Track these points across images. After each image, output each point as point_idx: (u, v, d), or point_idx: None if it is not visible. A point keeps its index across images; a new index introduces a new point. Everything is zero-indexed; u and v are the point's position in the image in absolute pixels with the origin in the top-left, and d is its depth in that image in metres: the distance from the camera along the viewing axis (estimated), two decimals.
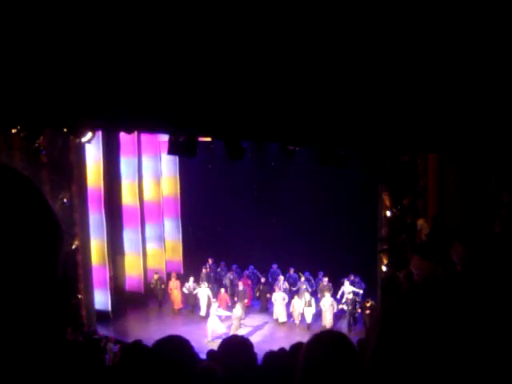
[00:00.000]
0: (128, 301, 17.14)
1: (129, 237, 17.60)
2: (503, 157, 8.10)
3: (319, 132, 8.49)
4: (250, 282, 17.37)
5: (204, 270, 17.67)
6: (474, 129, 7.60)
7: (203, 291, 16.66)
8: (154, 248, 18.42)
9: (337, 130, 8.36)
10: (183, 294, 17.12)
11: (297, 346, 6.12)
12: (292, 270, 17.30)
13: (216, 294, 16.75)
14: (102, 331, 15.53)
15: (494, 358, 0.74)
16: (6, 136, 11.28)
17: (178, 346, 3.10)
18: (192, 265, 18.55)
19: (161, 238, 18.60)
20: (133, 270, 17.61)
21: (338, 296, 16.00)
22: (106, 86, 8.02)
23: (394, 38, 6.46)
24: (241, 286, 16.85)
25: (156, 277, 17.48)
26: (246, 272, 17.75)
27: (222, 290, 16.92)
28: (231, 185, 18.86)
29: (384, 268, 12.09)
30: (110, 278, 16.67)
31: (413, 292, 0.85)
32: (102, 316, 16.26)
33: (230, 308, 16.29)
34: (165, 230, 18.84)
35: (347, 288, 15.88)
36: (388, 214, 12.07)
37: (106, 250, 16.47)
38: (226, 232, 19.01)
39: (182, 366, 2.93)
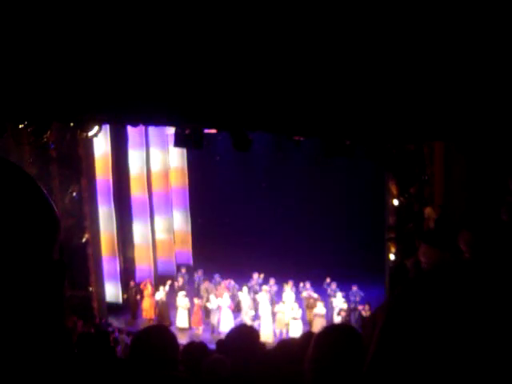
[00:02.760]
0: (138, 292, 17.21)
1: (138, 228, 17.67)
2: (510, 144, 8.06)
3: (324, 122, 8.49)
4: (228, 293, 15.58)
5: (181, 279, 16.51)
6: (480, 116, 7.56)
7: (182, 300, 15.46)
8: (163, 239, 18.48)
9: (342, 120, 8.35)
10: (156, 303, 15.85)
11: (308, 335, 6.15)
12: (273, 281, 15.73)
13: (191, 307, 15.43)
14: (114, 323, 15.66)
15: (501, 344, 0.75)
16: (13, 131, 11.35)
17: (158, 334, 3.16)
18: (202, 256, 18.62)
19: (170, 230, 18.66)
20: (143, 261, 17.68)
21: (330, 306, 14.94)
22: (111, 79, 8.05)
23: (397, 27, 6.43)
24: (213, 299, 15.25)
25: (132, 284, 16.44)
26: (225, 282, 16.10)
27: (197, 301, 15.39)
28: (239, 176, 18.90)
29: (392, 256, 12.10)
30: (121, 269, 16.76)
31: (420, 279, 0.86)
32: (114, 308, 16.39)
33: (206, 322, 15.31)
34: (174, 221, 18.90)
35: (339, 301, 14.90)
36: (395, 202, 12.05)
37: (116, 241, 16.57)
38: (230, 229, 18.91)
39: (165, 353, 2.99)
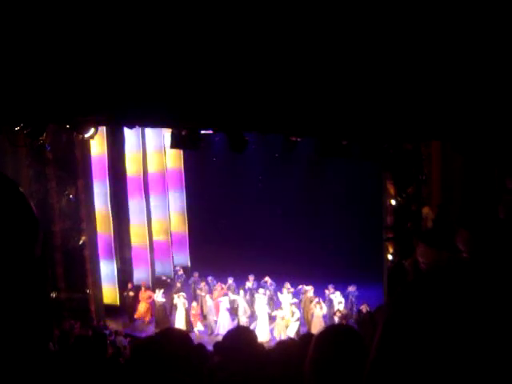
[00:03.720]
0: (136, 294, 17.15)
1: (135, 230, 17.64)
2: (507, 143, 8.06)
3: (321, 123, 8.47)
4: (224, 294, 15.53)
5: (178, 284, 16.41)
6: (477, 115, 7.56)
7: (181, 302, 15.40)
8: (161, 241, 18.47)
9: (339, 120, 8.34)
10: (152, 305, 15.86)
11: (307, 336, 6.13)
12: (269, 282, 15.70)
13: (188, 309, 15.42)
14: (111, 325, 15.62)
15: (501, 344, 0.75)
16: (9, 133, 11.32)
17: (177, 337, 3.14)
18: (199, 258, 18.60)
19: (167, 231, 18.65)
20: (140, 262, 17.65)
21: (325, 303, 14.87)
22: (107, 81, 8.03)
23: (393, 28, 6.43)
24: (209, 301, 15.36)
25: (130, 286, 16.40)
26: (221, 285, 15.99)
27: (194, 303, 15.47)
28: (236, 177, 18.90)
29: (390, 256, 12.09)
30: (118, 271, 16.71)
31: (419, 281, 0.87)
32: (111, 310, 16.35)
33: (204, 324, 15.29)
34: (171, 222, 18.89)
35: (338, 298, 14.84)
36: (393, 202, 12.05)
37: (113, 244, 16.54)
38: (228, 230, 18.87)
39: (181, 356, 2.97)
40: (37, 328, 0.86)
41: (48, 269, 0.93)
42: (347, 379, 2.11)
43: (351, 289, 15.22)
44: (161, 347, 3.04)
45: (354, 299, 15.04)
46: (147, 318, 15.97)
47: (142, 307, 16.06)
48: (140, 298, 16.10)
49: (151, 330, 15.24)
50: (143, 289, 16.29)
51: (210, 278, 16.34)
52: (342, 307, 14.76)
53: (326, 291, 15.32)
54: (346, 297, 15.14)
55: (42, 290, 0.89)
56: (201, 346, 6.72)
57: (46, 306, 0.91)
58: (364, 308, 14.23)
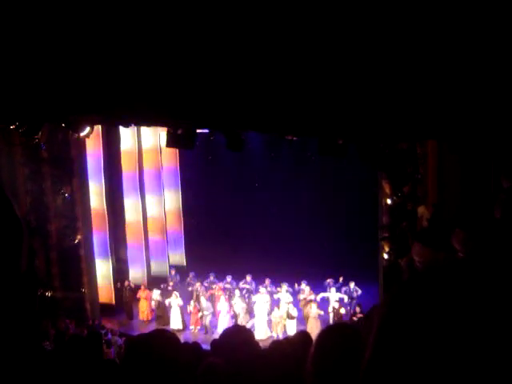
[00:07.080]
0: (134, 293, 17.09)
1: (131, 228, 17.62)
2: (502, 142, 8.09)
3: (317, 122, 8.48)
4: (223, 294, 15.56)
5: (171, 283, 16.52)
6: (472, 115, 7.58)
7: (175, 302, 15.41)
8: (156, 239, 18.45)
9: (335, 120, 8.35)
10: (152, 304, 15.94)
11: (301, 335, 6.14)
12: (268, 281, 15.73)
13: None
14: (107, 324, 15.58)
15: (498, 344, 0.75)
16: (5, 132, 11.28)
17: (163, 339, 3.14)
18: (195, 257, 18.59)
19: (163, 230, 18.63)
20: (135, 261, 17.64)
21: (319, 298, 14.95)
22: (103, 80, 8.00)
23: (389, 26, 6.43)
24: (205, 301, 15.36)
25: (126, 284, 16.45)
26: (220, 283, 16.07)
27: (192, 302, 15.47)
28: (232, 176, 18.89)
29: (385, 256, 12.11)
30: (114, 270, 16.69)
31: (415, 280, 0.86)
32: (107, 309, 16.32)
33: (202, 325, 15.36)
34: (167, 221, 18.86)
35: (333, 295, 14.87)
36: (388, 201, 12.07)
37: (108, 242, 16.51)
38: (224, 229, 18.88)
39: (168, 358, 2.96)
40: (22, 347, 0.81)
41: (37, 286, 0.86)
42: (350, 378, 2.10)
43: (351, 286, 15.21)
44: (151, 347, 3.03)
45: (357, 295, 15.05)
46: (149, 317, 15.98)
47: (143, 306, 16.06)
48: (140, 296, 16.09)
49: (151, 328, 15.23)
50: (143, 287, 16.30)
51: (211, 276, 16.36)
52: (337, 305, 14.79)
53: (327, 288, 15.33)
54: (347, 294, 15.16)
55: (27, 309, 0.82)
56: (196, 345, 6.71)
57: (32, 328, 0.84)
58: (357, 307, 14.27)
